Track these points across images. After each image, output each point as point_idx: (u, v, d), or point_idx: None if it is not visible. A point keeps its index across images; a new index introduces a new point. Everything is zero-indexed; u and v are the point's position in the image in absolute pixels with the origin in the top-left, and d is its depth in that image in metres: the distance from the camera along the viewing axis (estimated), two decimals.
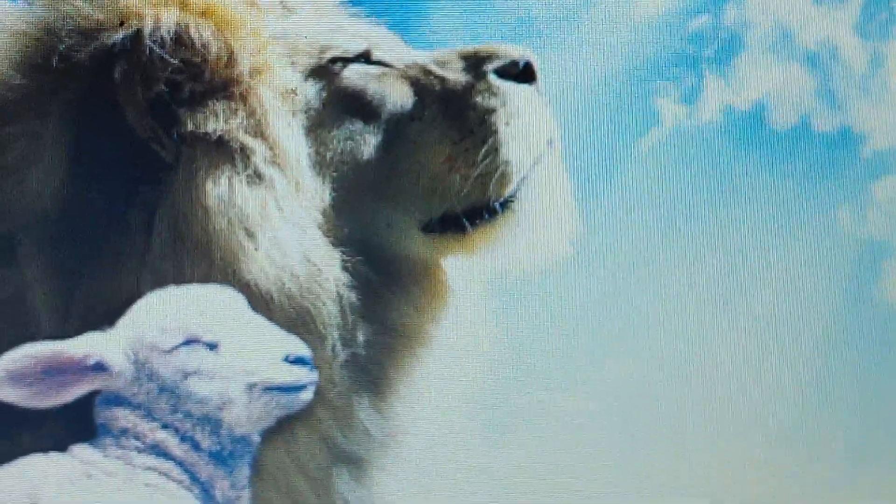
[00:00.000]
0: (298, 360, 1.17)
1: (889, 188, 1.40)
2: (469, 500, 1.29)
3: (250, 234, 1.22)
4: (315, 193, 1.27)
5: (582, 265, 1.35)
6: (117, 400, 1.16)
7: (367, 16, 1.39)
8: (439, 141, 1.29)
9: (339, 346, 1.25)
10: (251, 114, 1.25)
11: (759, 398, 1.33)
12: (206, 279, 1.20)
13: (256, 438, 1.18)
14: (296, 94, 1.29)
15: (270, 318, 1.20)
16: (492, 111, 1.29)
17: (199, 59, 1.23)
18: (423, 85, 1.32)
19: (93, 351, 1.14)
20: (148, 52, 1.21)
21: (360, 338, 1.27)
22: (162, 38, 1.22)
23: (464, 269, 1.35)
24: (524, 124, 1.29)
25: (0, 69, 1.25)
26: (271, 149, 1.25)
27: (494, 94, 1.30)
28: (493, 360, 1.33)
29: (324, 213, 1.27)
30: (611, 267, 1.36)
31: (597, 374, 1.34)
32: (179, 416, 1.15)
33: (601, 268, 1.36)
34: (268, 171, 1.24)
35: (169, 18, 1.22)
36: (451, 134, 1.29)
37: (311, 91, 1.30)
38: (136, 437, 1.15)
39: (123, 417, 1.15)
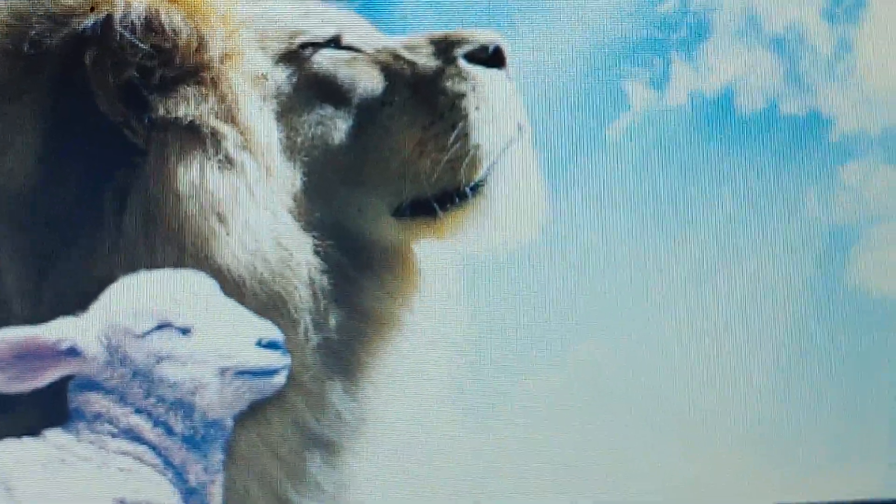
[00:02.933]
0: (271, 345, 1.18)
1: (856, 172, 1.41)
2: (443, 484, 1.30)
3: (222, 219, 1.22)
4: (286, 178, 1.27)
5: (553, 249, 1.36)
6: (90, 384, 1.16)
7: (338, 1, 1.39)
8: (410, 125, 1.29)
9: (311, 331, 1.25)
10: (222, 99, 1.25)
11: (730, 382, 1.34)
12: (178, 264, 1.21)
13: (229, 423, 1.18)
14: (266, 80, 1.29)
15: (243, 303, 1.20)
16: (462, 96, 1.29)
17: (170, 45, 1.23)
18: (394, 70, 1.32)
19: (66, 335, 1.14)
20: (118, 37, 1.22)
21: (333, 322, 1.27)
22: (132, 23, 1.22)
23: (435, 253, 1.35)
24: (494, 109, 1.30)
25: None
26: (242, 134, 1.25)
27: (464, 79, 1.30)
28: (466, 343, 1.34)
29: (295, 198, 1.27)
30: (581, 250, 1.36)
31: (569, 358, 1.34)
32: (152, 400, 1.15)
33: (572, 251, 1.36)
34: (239, 155, 1.24)
35: (139, 4, 1.22)
36: (421, 118, 1.29)
37: (281, 76, 1.30)
38: (110, 422, 1.15)
39: (97, 402, 1.15)
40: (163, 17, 1.22)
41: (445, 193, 1.29)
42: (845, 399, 1.35)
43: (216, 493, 1.17)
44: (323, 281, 1.26)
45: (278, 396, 1.20)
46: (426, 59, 1.32)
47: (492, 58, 1.32)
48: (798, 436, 1.33)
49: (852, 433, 1.34)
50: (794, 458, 1.33)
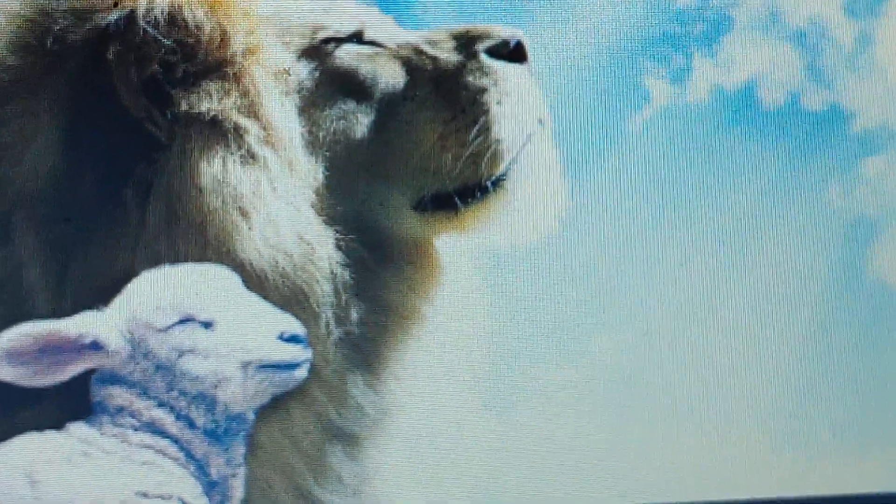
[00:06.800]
0: (293, 338, 1.18)
1: (878, 165, 1.41)
2: (462, 476, 1.30)
3: (244, 214, 1.22)
4: (308, 172, 1.27)
5: (572, 242, 1.36)
6: (113, 378, 1.16)
7: None
8: (431, 120, 1.29)
9: (332, 324, 1.26)
10: (244, 94, 1.25)
11: (749, 373, 1.34)
12: (200, 258, 1.21)
13: (251, 416, 1.19)
14: (289, 75, 1.29)
15: (265, 297, 1.21)
16: (483, 90, 1.29)
17: (193, 40, 1.24)
18: (415, 65, 1.32)
19: (89, 330, 1.15)
20: (142, 32, 1.22)
21: (354, 316, 1.27)
22: (155, 18, 1.22)
23: (456, 247, 1.35)
24: (515, 103, 1.30)
25: None
26: (264, 129, 1.25)
27: (486, 74, 1.30)
28: (486, 337, 1.34)
29: (317, 192, 1.27)
30: (601, 244, 1.37)
31: (588, 351, 1.35)
32: (175, 393, 1.16)
33: (591, 245, 1.36)
34: (261, 150, 1.25)
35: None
36: (443, 113, 1.29)
37: (303, 71, 1.31)
38: (132, 415, 1.15)
39: (119, 395, 1.16)
40: (186, 12, 1.23)
41: (466, 187, 1.29)
42: (865, 390, 1.35)
43: (238, 485, 1.18)
44: (345, 275, 1.27)
45: (300, 390, 1.20)
46: (448, 54, 1.32)
47: (513, 52, 1.32)
48: (818, 427, 1.33)
49: (874, 425, 1.34)
50: (814, 450, 1.33)
